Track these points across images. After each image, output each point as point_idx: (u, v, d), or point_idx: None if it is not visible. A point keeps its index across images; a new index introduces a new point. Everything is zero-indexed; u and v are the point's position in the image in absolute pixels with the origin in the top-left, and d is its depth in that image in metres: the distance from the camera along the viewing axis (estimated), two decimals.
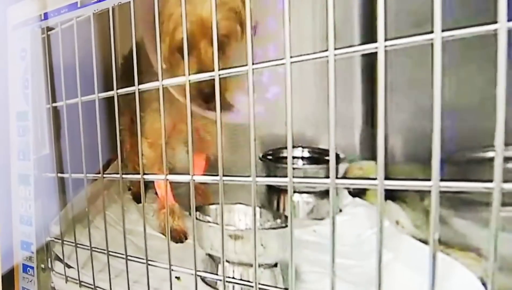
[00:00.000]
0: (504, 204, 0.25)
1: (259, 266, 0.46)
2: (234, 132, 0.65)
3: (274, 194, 0.67)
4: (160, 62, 0.41)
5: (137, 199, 0.80)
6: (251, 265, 0.36)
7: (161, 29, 0.56)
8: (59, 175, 0.56)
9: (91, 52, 0.49)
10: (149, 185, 0.77)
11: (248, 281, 0.39)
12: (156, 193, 0.73)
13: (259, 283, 0.36)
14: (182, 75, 0.39)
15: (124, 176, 0.47)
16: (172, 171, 0.46)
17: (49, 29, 0.57)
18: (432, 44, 0.27)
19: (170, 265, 0.43)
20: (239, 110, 0.56)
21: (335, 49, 0.31)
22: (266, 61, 0.35)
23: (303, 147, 0.71)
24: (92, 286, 0.53)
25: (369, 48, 0.29)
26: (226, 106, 0.56)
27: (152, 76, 0.43)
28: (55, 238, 0.59)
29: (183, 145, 0.52)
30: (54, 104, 0.56)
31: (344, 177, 0.35)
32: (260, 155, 0.70)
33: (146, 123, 0.55)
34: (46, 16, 0.58)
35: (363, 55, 0.31)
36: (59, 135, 0.57)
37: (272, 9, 0.56)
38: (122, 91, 0.46)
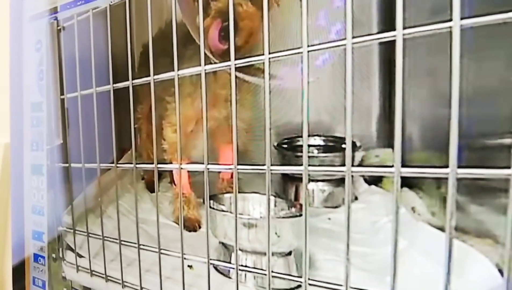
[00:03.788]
0: None
1: (273, 254, 0.46)
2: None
3: (289, 183, 0.68)
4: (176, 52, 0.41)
5: (150, 188, 0.80)
6: (265, 254, 0.37)
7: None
8: (72, 165, 0.57)
9: (106, 44, 0.50)
10: (163, 174, 0.77)
11: (262, 269, 0.39)
12: (170, 182, 0.73)
13: (273, 271, 0.37)
14: None
15: (137, 165, 0.48)
16: (194, 159, 0.46)
17: (65, 21, 0.58)
18: (450, 32, 0.27)
19: (183, 253, 0.43)
20: (284, 78, 0.54)
21: (353, 37, 0.31)
22: (283, 50, 0.36)
23: (319, 136, 0.71)
24: (104, 276, 0.53)
25: (387, 36, 0.30)
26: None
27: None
28: (67, 228, 0.59)
29: (210, 133, 0.52)
30: (69, 95, 0.57)
31: (360, 165, 0.35)
32: (275, 144, 0.70)
33: (174, 109, 0.55)
34: (62, 8, 0.58)
35: (381, 43, 0.31)
36: (72, 126, 0.57)
37: None
38: (138, 81, 0.46)
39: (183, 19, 0.52)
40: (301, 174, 0.34)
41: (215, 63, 0.41)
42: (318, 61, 0.53)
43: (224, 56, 0.43)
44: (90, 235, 0.55)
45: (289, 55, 0.35)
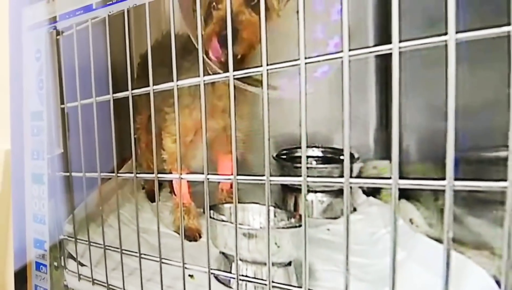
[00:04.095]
0: None
1: (273, 264, 0.46)
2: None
3: (288, 194, 0.68)
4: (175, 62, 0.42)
5: (151, 198, 0.81)
6: (265, 264, 0.37)
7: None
8: (73, 174, 0.57)
9: (105, 54, 0.50)
10: (163, 183, 0.77)
11: (262, 280, 0.39)
12: (170, 192, 0.73)
13: (273, 281, 0.37)
14: None
15: (138, 175, 0.48)
16: (193, 169, 0.46)
17: (64, 30, 0.58)
18: (446, 45, 0.27)
19: (184, 263, 0.43)
20: (284, 89, 0.54)
21: (350, 50, 0.31)
22: (281, 62, 0.36)
23: (317, 147, 0.71)
24: (105, 284, 0.53)
25: (383, 49, 0.30)
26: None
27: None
28: (69, 236, 0.60)
29: (209, 143, 0.52)
30: (69, 104, 0.57)
31: (358, 177, 0.35)
32: (274, 155, 0.71)
33: (173, 119, 0.54)
34: (61, 17, 0.59)
35: (377, 56, 0.31)
36: (73, 135, 0.58)
37: None
38: (138, 91, 0.46)
39: (185, 28, 0.52)
40: (300, 185, 0.34)
41: (215, 73, 0.42)
42: (317, 73, 0.53)
43: (225, 64, 0.44)
44: (91, 243, 0.55)
45: (286, 67, 0.36)
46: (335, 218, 0.65)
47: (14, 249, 0.67)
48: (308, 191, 0.34)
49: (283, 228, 0.52)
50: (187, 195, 0.68)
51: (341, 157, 0.33)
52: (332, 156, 0.70)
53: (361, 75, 0.67)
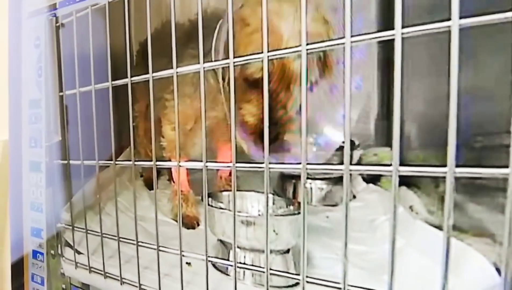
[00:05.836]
0: None
1: (271, 252, 0.46)
2: None
3: (287, 181, 0.68)
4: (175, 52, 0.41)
5: (149, 185, 0.81)
6: (263, 251, 0.37)
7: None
8: (71, 162, 0.57)
9: (105, 41, 0.50)
10: (161, 171, 0.77)
11: (260, 267, 0.39)
12: (168, 180, 0.73)
13: (271, 269, 0.37)
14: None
15: (136, 163, 0.48)
16: (192, 157, 0.46)
17: (64, 17, 0.58)
18: (449, 31, 0.27)
19: (181, 250, 0.43)
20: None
21: (352, 36, 0.31)
22: (281, 49, 0.35)
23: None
24: (102, 272, 0.53)
25: (385, 35, 0.29)
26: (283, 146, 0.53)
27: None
28: (66, 225, 0.59)
29: (209, 132, 0.51)
30: (67, 92, 0.56)
31: (358, 164, 0.35)
32: None
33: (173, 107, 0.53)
34: (61, 4, 0.58)
35: (379, 42, 0.31)
36: (71, 123, 0.57)
37: None
38: (137, 79, 0.46)
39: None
40: (299, 172, 0.34)
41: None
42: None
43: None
44: (88, 232, 0.55)
45: (287, 53, 0.36)
46: (334, 205, 0.65)
47: (11, 237, 0.67)
48: (307, 178, 0.34)
49: (281, 215, 0.52)
50: (186, 183, 0.67)
51: (342, 144, 0.32)
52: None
53: (363, 61, 0.67)
